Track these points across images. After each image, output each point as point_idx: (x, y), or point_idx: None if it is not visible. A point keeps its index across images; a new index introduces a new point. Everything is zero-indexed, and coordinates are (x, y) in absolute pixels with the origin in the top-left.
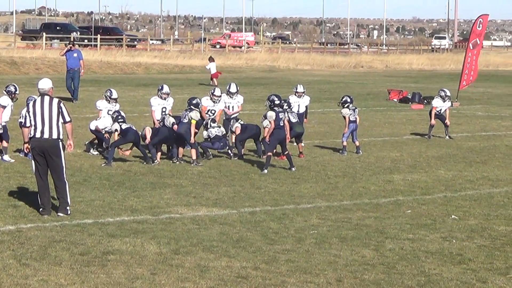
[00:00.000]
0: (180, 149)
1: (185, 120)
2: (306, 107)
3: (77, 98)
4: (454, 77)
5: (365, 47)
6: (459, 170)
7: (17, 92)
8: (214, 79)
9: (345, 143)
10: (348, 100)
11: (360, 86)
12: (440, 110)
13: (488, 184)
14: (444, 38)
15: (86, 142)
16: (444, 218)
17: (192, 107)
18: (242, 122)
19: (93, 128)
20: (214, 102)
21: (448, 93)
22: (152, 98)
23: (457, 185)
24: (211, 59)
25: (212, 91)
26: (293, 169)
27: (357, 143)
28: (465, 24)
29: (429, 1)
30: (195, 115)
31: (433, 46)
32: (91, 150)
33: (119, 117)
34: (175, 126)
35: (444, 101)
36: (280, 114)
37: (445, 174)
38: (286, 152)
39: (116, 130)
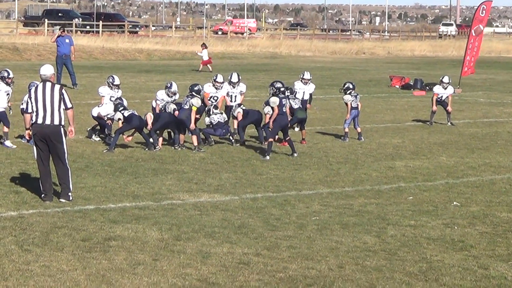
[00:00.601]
0: (181, 136)
1: (186, 107)
2: (311, 94)
3: (76, 83)
4: (456, 63)
5: (367, 33)
6: (461, 157)
7: (10, 76)
8: (209, 65)
9: (346, 130)
10: (351, 86)
11: (362, 72)
12: (442, 96)
13: (490, 171)
14: (451, 25)
15: (88, 129)
16: (446, 205)
17: (193, 93)
18: (244, 108)
19: (95, 114)
20: (216, 88)
21: (448, 80)
22: (159, 91)
23: (459, 172)
24: (203, 46)
25: (215, 77)
26: (295, 155)
27: (358, 129)
28: (468, 11)
29: None
30: (196, 101)
31: (440, 33)
32: (93, 136)
33: (120, 105)
34: (176, 112)
35: (445, 88)
36: (283, 100)
37: (447, 160)
38: (288, 138)
39: (119, 119)
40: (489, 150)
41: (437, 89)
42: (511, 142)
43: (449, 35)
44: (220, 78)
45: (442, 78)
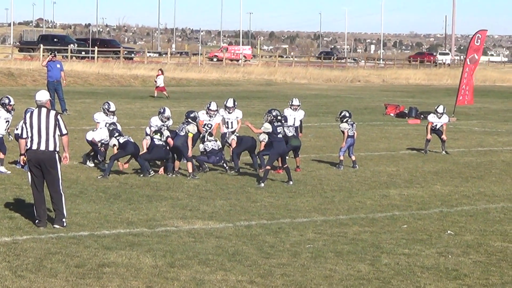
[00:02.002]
0: (176, 162)
1: (182, 133)
2: (301, 121)
3: (66, 108)
4: (451, 92)
5: (362, 61)
6: (456, 185)
7: (11, 103)
8: (164, 92)
9: (342, 158)
10: (347, 114)
11: (357, 100)
12: (436, 125)
13: (484, 200)
14: (448, 54)
15: (83, 154)
16: (440, 234)
17: (189, 120)
18: (237, 135)
19: (89, 138)
20: (210, 116)
21: (442, 110)
22: (153, 118)
23: (453, 200)
24: (160, 71)
25: (208, 105)
26: (291, 183)
27: (353, 157)
28: (463, 39)
29: (426, 16)
30: (192, 128)
31: (438, 62)
32: (88, 162)
33: (115, 131)
34: (170, 140)
35: (439, 118)
36: (278, 128)
37: (441, 189)
38: (286, 165)
39: (114, 145)
40: (484, 179)
41: (432, 118)
42: (506, 171)
43: (444, 64)
44: (213, 106)
45: (437, 107)
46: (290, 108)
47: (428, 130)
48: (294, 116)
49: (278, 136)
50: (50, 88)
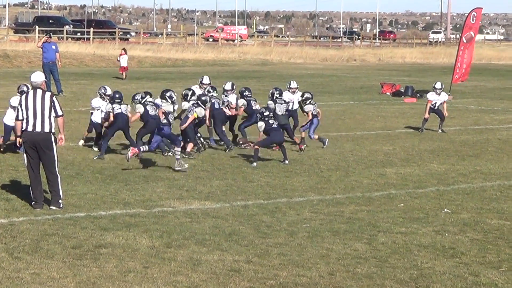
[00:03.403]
0: (190, 144)
1: (190, 115)
2: (299, 102)
3: (62, 90)
4: (447, 70)
5: (358, 40)
6: (452, 164)
7: (108, 92)
8: (124, 73)
9: (316, 137)
10: (310, 96)
11: (353, 79)
12: (435, 103)
13: (480, 178)
14: (439, 32)
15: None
16: (436, 212)
17: (199, 102)
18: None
19: (98, 121)
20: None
21: (441, 86)
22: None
23: (450, 179)
24: (123, 51)
25: (224, 85)
26: (286, 162)
27: (315, 136)
28: (458, 18)
29: None
30: (199, 111)
31: (430, 40)
32: (93, 146)
33: (118, 98)
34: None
35: (438, 95)
36: (270, 120)
37: (437, 167)
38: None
39: (109, 112)
40: (480, 157)
41: (431, 95)
42: (502, 149)
43: (439, 42)
44: (229, 85)
45: (435, 84)
46: (289, 91)
47: (427, 109)
48: (293, 100)
49: (273, 126)
50: (45, 69)
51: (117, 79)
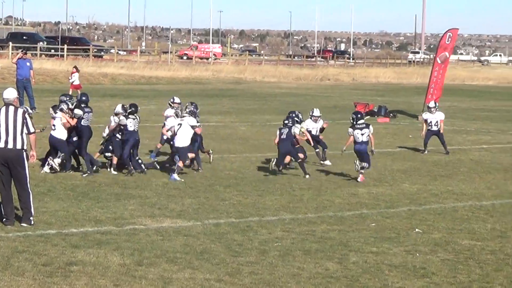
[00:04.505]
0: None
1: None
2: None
3: (35, 106)
4: (420, 90)
5: (332, 60)
6: (424, 184)
7: (176, 101)
8: (78, 90)
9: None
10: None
11: (327, 99)
12: (431, 122)
13: (452, 198)
14: (418, 52)
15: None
16: (408, 232)
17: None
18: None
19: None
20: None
21: (434, 105)
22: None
23: (422, 199)
24: (75, 69)
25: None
26: (307, 176)
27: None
28: (432, 38)
29: (396, 15)
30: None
31: (410, 60)
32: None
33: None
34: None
35: (433, 113)
36: (282, 129)
37: (409, 187)
38: (299, 160)
39: (79, 116)
40: (452, 178)
41: (426, 115)
42: (474, 169)
43: (418, 62)
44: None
45: (429, 104)
46: (311, 119)
47: (424, 129)
48: (316, 128)
49: (281, 137)
50: (19, 86)
51: (111, 98)
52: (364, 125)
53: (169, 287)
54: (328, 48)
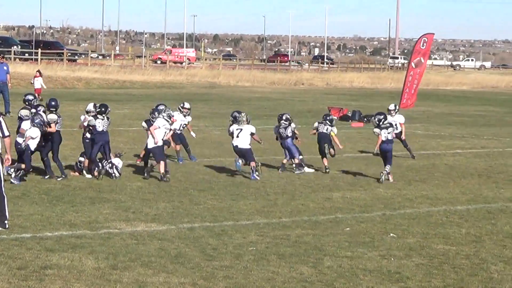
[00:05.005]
0: (162, 163)
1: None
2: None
3: (10, 111)
4: (394, 95)
5: (306, 64)
6: (398, 189)
7: (186, 106)
8: (38, 95)
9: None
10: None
11: (301, 103)
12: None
13: (427, 203)
14: (397, 58)
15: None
16: (382, 236)
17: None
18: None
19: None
20: (184, 115)
21: (394, 107)
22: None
23: (396, 204)
24: (38, 73)
25: (182, 104)
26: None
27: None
28: (406, 43)
29: (370, 20)
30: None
31: (389, 64)
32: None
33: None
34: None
35: (392, 116)
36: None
37: (384, 192)
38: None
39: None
40: (426, 182)
41: (390, 118)
42: (448, 174)
43: (397, 67)
44: (187, 104)
45: (389, 106)
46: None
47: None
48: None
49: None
50: None
51: (85, 102)
52: (388, 124)
53: None
54: (283, 53)
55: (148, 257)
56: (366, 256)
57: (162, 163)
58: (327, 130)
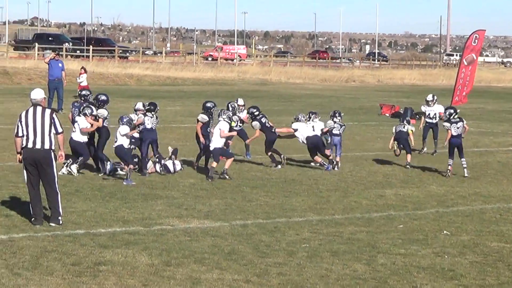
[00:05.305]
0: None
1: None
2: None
3: (62, 108)
4: (446, 92)
5: (357, 61)
6: (451, 186)
7: (215, 108)
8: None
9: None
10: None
11: (352, 100)
12: (429, 114)
13: (480, 200)
14: (452, 55)
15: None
16: (436, 234)
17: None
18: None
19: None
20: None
21: (432, 98)
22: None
23: (449, 201)
24: (83, 70)
25: (236, 101)
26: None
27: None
28: (458, 40)
29: (421, 17)
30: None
31: (445, 61)
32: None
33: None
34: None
35: (430, 106)
36: (262, 119)
37: (437, 189)
38: (269, 154)
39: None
40: (479, 180)
41: (424, 107)
42: (501, 171)
43: (453, 64)
44: (241, 101)
45: (426, 97)
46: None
47: (421, 122)
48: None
49: (266, 125)
50: (50, 86)
51: (136, 99)
52: (458, 119)
53: (197, 287)
54: (321, 50)
55: (201, 254)
56: (419, 254)
57: (231, 159)
58: (405, 128)
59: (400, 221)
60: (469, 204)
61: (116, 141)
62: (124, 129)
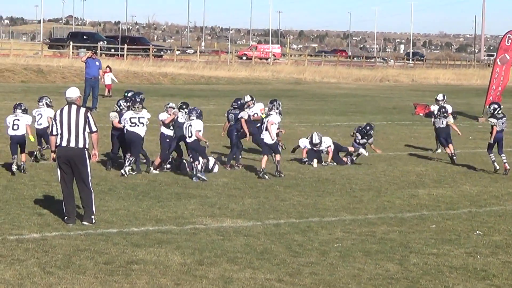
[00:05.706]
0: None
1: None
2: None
3: (96, 107)
4: (480, 92)
5: (391, 61)
6: (484, 186)
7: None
8: (109, 90)
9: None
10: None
11: (386, 100)
12: (434, 111)
13: None
14: (493, 55)
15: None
16: (468, 234)
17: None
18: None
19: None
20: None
21: (442, 97)
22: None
23: (482, 201)
24: (108, 68)
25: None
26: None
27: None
28: (492, 40)
29: (456, 16)
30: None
31: (487, 61)
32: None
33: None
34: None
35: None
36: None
37: (470, 189)
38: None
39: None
40: None
41: (433, 107)
42: None
43: (488, 64)
44: (248, 97)
45: (437, 96)
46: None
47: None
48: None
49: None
50: (87, 85)
51: (171, 97)
52: (502, 115)
53: (230, 286)
54: (340, 48)
55: (234, 253)
56: (452, 254)
57: (265, 157)
58: (443, 123)
59: (432, 221)
60: (502, 204)
61: (190, 136)
62: (199, 123)
